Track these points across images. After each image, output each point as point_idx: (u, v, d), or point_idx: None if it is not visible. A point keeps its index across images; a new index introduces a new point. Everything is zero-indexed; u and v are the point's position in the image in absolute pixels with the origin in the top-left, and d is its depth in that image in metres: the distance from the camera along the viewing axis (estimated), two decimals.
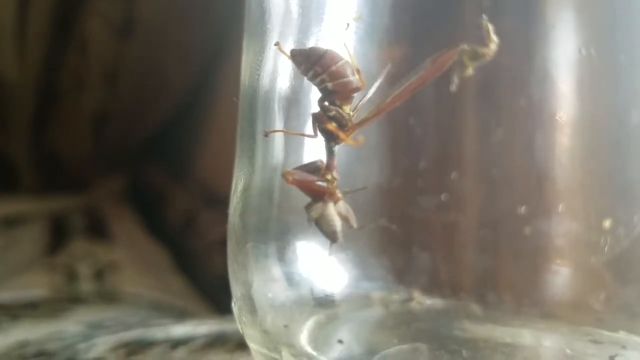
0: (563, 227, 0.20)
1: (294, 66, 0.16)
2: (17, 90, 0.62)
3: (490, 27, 0.13)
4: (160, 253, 0.49)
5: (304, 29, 0.19)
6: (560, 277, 0.20)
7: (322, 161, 0.16)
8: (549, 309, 0.20)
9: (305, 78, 0.16)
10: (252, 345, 0.19)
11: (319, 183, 0.16)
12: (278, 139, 0.19)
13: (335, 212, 0.16)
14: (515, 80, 0.20)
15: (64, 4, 0.60)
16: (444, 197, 0.22)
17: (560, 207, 0.20)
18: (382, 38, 0.20)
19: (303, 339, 0.18)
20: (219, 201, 0.57)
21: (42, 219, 0.52)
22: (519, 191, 0.21)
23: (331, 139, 0.16)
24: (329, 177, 0.16)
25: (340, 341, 0.18)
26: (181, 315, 0.43)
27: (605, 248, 0.20)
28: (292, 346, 0.17)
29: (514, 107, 0.21)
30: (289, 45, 0.18)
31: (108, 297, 0.41)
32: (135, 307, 0.41)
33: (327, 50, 0.15)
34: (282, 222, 0.20)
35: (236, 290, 0.19)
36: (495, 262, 0.21)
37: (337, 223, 0.16)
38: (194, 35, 0.63)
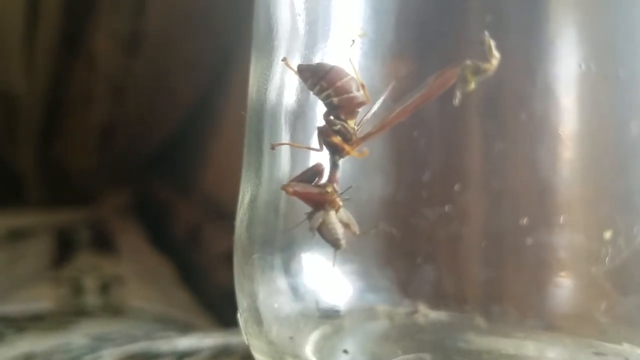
0: (565, 238, 0.20)
1: (301, 81, 0.16)
2: (25, 104, 0.63)
3: (492, 43, 0.14)
4: (165, 266, 0.49)
5: (311, 45, 0.19)
6: (563, 288, 0.21)
7: (321, 164, 0.17)
8: (552, 321, 0.20)
9: (312, 93, 0.16)
10: (257, 356, 0.19)
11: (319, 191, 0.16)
12: (284, 152, 0.19)
13: (336, 219, 0.16)
14: (517, 95, 0.20)
15: (71, 19, 0.61)
16: (448, 209, 0.22)
17: (562, 219, 0.20)
18: (386, 53, 0.20)
19: (308, 350, 0.18)
20: (224, 214, 0.57)
21: (48, 232, 0.52)
22: (521, 203, 0.21)
23: (336, 152, 0.16)
24: (329, 189, 0.16)
25: (345, 351, 0.18)
26: (186, 328, 0.43)
27: (607, 259, 0.20)
28: (298, 357, 0.18)
29: (516, 120, 0.21)
30: (295, 61, 0.18)
31: (113, 311, 0.41)
32: (140, 320, 0.41)
33: (333, 66, 0.16)
34: (287, 234, 0.20)
35: (242, 301, 0.19)
36: (499, 274, 0.22)
37: (339, 230, 0.16)
38: (201, 48, 0.64)
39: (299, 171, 0.18)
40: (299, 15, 0.18)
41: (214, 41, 0.62)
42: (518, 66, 0.18)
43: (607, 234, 0.18)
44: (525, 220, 0.21)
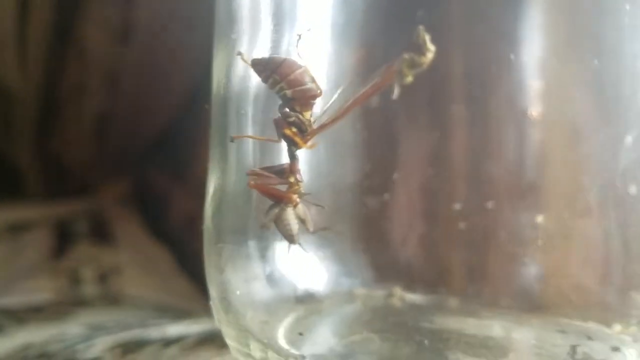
0: (533, 220, 0.21)
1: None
2: (19, 97, 0.63)
3: (427, 36, 0.14)
4: (163, 255, 0.50)
5: (275, 37, 0.19)
6: (535, 268, 0.21)
7: (288, 163, 0.17)
8: (525, 301, 0.21)
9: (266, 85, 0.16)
10: (228, 341, 0.19)
11: (279, 187, 0.17)
12: (250, 143, 0.19)
13: (293, 215, 0.16)
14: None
15: (62, 11, 0.61)
16: (423, 192, 0.22)
17: (530, 201, 0.20)
18: (355, 38, 0.21)
19: (280, 334, 0.19)
20: None
21: (47, 224, 0.53)
22: (492, 186, 0.22)
23: (292, 143, 0.17)
24: (292, 179, 0.17)
25: (300, 334, 0.19)
26: (182, 315, 0.44)
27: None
28: (268, 340, 0.18)
29: (489, 106, 0.21)
30: (260, 52, 0.18)
31: (111, 300, 0.42)
32: (136, 309, 0.42)
33: (285, 59, 0.16)
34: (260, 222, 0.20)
35: (211, 290, 0.20)
36: (475, 256, 0.22)
37: (294, 227, 0.16)
38: (193, 36, 0.64)
39: (267, 159, 0.19)
40: (262, 4, 0.19)
41: (206, 29, 0.62)
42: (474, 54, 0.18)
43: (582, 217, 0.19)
44: (495, 203, 0.21)
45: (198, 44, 0.67)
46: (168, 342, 0.25)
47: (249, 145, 0.19)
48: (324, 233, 0.19)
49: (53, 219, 0.55)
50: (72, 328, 0.33)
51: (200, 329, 0.27)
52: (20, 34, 0.61)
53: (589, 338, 0.18)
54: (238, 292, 0.19)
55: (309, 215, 0.17)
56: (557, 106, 0.21)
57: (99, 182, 0.64)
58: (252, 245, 0.20)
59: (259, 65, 0.16)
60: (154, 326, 0.30)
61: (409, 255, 0.22)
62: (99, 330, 0.32)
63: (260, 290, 0.20)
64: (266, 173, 0.17)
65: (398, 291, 0.21)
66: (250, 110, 0.19)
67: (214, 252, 0.20)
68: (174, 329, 0.29)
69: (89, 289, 0.43)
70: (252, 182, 0.16)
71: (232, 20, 0.19)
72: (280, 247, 0.21)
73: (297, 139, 0.16)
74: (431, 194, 0.22)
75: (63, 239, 0.51)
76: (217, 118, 0.20)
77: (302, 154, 0.20)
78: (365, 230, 0.22)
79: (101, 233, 0.51)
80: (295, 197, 0.16)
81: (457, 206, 0.22)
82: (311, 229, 0.17)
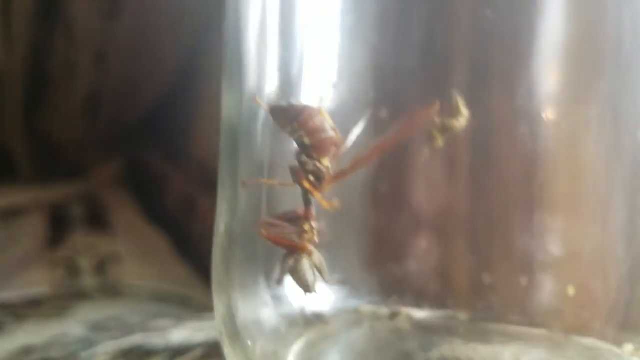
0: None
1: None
2: (6, 77, 0.62)
3: (460, 101, 0.13)
4: (161, 241, 0.50)
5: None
6: (548, 283, 0.21)
7: (302, 209, 0.17)
8: (536, 317, 0.21)
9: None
10: None
11: (293, 237, 0.16)
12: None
13: (308, 265, 0.16)
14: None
15: None
16: (431, 206, 0.22)
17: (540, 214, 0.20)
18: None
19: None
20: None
21: (41, 210, 0.52)
22: (508, 198, 0.21)
23: (310, 193, 0.16)
24: (306, 227, 0.16)
25: None
26: (183, 304, 0.44)
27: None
28: None
29: (503, 107, 0.21)
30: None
31: (111, 291, 0.42)
32: (137, 300, 0.42)
33: (304, 106, 0.16)
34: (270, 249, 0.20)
35: (220, 326, 0.20)
36: (484, 272, 0.22)
37: (310, 277, 0.16)
38: (184, 11, 0.62)
39: (276, 197, 0.18)
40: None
41: (197, 4, 0.61)
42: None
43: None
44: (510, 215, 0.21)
45: (189, 18, 0.66)
46: (174, 354, 0.25)
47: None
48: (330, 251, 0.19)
49: (46, 204, 0.54)
50: (73, 327, 0.33)
51: (204, 338, 0.27)
52: (4, 11, 0.59)
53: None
54: (249, 325, 0.19)
55: (325, 264, 0.16)
56: (569, 107, 0.21)
57: (91, 162, 0.63)
58: (261, 284, 0.20)
59: (278, 113, 0.16)
60: (157, 331, 0.30)
61: (415, 271, 0.22)
62: (101, 331, 0.32)
63: (267, 318, 0.20)
64: (278, 222, 0.16)
65: (404, 311, 0.21)
66: (260, 147, 0.18)
67: (225, 284, 0.19)
68: (178, 335, 0.28)
69: (87, 280, 0.42)
70: (265, 232, 0.16)
71: (240, 60, 0.19)
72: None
73: (316, 192, 0.15)
74: (437, 207, 0.22)
75: (58, 225, 0.51)
76: (227, 157, 0.20)
77: None
78: (370, 249, 0.22)
79: (97, 220, 0.50)
80: (310, 246, 0.16)
81: (464, 219, 0.22)
82: (327, 279, 0.16)
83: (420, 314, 0.21)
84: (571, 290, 0.20)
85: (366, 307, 0.21)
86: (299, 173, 0.16)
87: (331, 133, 0.16)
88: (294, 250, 0.16)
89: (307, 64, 0.18)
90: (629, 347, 0.19)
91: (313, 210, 0.16)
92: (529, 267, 0.21)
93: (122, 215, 0.51)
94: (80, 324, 0.34)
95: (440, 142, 0.14)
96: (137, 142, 0.65)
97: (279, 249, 0.20)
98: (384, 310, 0.21)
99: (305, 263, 0.16)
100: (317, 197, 0.16)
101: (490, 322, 0.21)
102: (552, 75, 0.20)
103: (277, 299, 0.20)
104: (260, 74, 0.18)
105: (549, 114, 0.20)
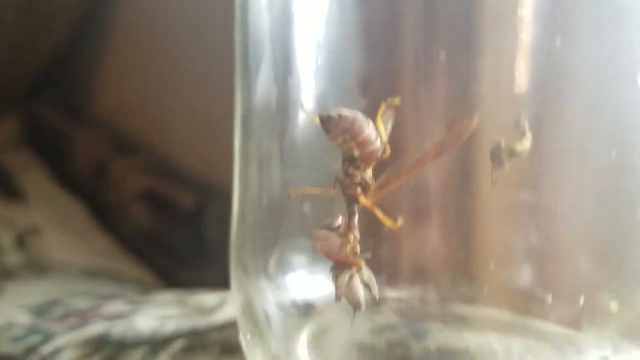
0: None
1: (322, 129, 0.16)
2: None
3: (526, 123, 0.14)
4: (78, 210, 0.47)
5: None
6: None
7: (344, 217, 0.17)
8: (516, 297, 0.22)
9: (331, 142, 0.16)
10: None
11: (349, 248, 0.16)
12: (275, 170, 0.20)
13: (359, 281, 0.16)
14: None
15: None
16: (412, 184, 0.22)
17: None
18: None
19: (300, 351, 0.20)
20: (131, 149, 0.55)
21: None
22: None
23: (354, 201, 0.16)
24: (350, 237, 0.16)
25: None
26: (116, 279, 0.42)
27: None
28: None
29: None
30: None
31: (36, 268, 0.40)
32: (66, 276, 0.40)
33: (355, 117, 0.16)
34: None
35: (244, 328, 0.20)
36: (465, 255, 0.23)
37: (361, 293, 0.16)
38: None
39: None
40: None
41: None
42: None
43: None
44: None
45: None
46: (155, 347, 0.25)
47: (275, 171, 0.19)
48: None
49: None
50: (14, 315, 0.31)
51: (176, 326, 0.27)
52: None
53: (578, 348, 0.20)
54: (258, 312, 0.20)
55: (374, 279, 0.16)
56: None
57: None
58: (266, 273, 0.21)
59: (328, 123, 0.16)
60: (116, 319, 0.29)
61: (396, 255, 0.23)
62: (45, 316, 0.31)
63: (274, 309, 0.20)
64: (327, 234, 0.16)
65: (389, 294, 0.22)
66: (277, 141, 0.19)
67: (241, 275, 0.20)
68: (144, 324, 0.28)
69: (10, 256, 0.40)
70: (319, 247, 0.16)
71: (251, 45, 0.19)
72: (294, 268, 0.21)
73: (365, 202, 0.16)
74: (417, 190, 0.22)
75: None
76: (241, 144, 0.20)
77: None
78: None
79: (8, 189, 0.47)
80: (361, 262, 0.16)
81: (446, 202, 0.22)
82: (377, 296, 0.16)
83: (403, 300, 0.22)
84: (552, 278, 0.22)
85: None
86: (349, 186, 0.16)
87: (378, 144, 0.16)
88: (346, 265, 0.16)
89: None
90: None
91: (356, 220, 0.17)
92: (513, 254, 0.22)
93: (33, 182, 0.48)
94: (20, 310, 0.32)
95: (507, 166, 0.15)
96: (34, 97, 0.61)
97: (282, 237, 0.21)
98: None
99: (357, 279, 0.16)
100: (378, 215, 0.16)
101: (476, 309, 0.22)
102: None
103: (278, 289, 0.21)
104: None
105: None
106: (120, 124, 0.57)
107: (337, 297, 0.16)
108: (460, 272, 0.22)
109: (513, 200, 0.21)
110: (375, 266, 0.22)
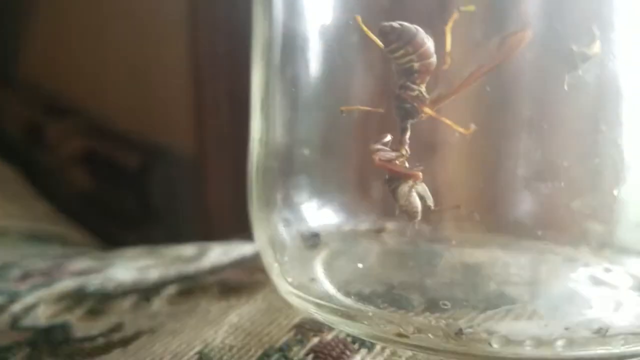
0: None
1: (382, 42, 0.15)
2: None
3: (597, 33, 0.15)
4: (11, 174, 0.44)
5: None
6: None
7: (392, 135, 0.17)
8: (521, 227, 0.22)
9: (388, 54, 0.16)
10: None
11: (399, 163, 0.16)
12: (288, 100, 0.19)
13: (414, 192, 0.16)
14: None
15: None
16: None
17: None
18: None
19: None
20: (65, 111, 0.51)
21: None
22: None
23: (408, 116, 0.16)
24: (403, 151, 0.17)
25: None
26: (62, 243, 0.40)
27: None
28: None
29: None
30: None
31: None
32: (9, 240, 0.37)
33: (417, 28, 0.15)
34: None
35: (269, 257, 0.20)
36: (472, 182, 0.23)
37: (417, 204, 0.16)
38: None
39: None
40: None
41: None
42: None
43: None
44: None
45: None
46: (146, 294, 0.24)
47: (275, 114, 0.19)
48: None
49: None
50: None
51: (160, 274, 0.26)
52: None
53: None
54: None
55: (428, 192, 0.17)
56: None
57: None
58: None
59: (391, 35, 0.15)
60: (86, 274, 0.27)
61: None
62: (3, 278, 0.28)
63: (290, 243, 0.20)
64: (384, 147, 0.16)
65: (389, 227, 0.22)
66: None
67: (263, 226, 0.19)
68: (121, 274, 0.26)
69: None
70: (378, 160, 0.16)
71: None
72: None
73: (427, 110, 0.16)
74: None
75: None
76: (258, 75, 0.19)
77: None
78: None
79: None
80: (420, 174, 0.16)
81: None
82: (432, 206, 0.16)
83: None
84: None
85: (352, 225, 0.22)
86: (406, 98, 0.16)
87: (435, 58, 0.16)
88: (404, 177, 0.16)
89: None
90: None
91: (407, 137, 0.17)
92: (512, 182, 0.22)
93: None
94: None
95: (580, 71, 0.15)
96: None
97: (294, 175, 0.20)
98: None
99: (414, 191, 0.16)
100: (448, 122, 0.16)
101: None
102: None
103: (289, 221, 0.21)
104: None
105: None
106: (52, 85, 0.53)
107: (400, 208, 0.16)
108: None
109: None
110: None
